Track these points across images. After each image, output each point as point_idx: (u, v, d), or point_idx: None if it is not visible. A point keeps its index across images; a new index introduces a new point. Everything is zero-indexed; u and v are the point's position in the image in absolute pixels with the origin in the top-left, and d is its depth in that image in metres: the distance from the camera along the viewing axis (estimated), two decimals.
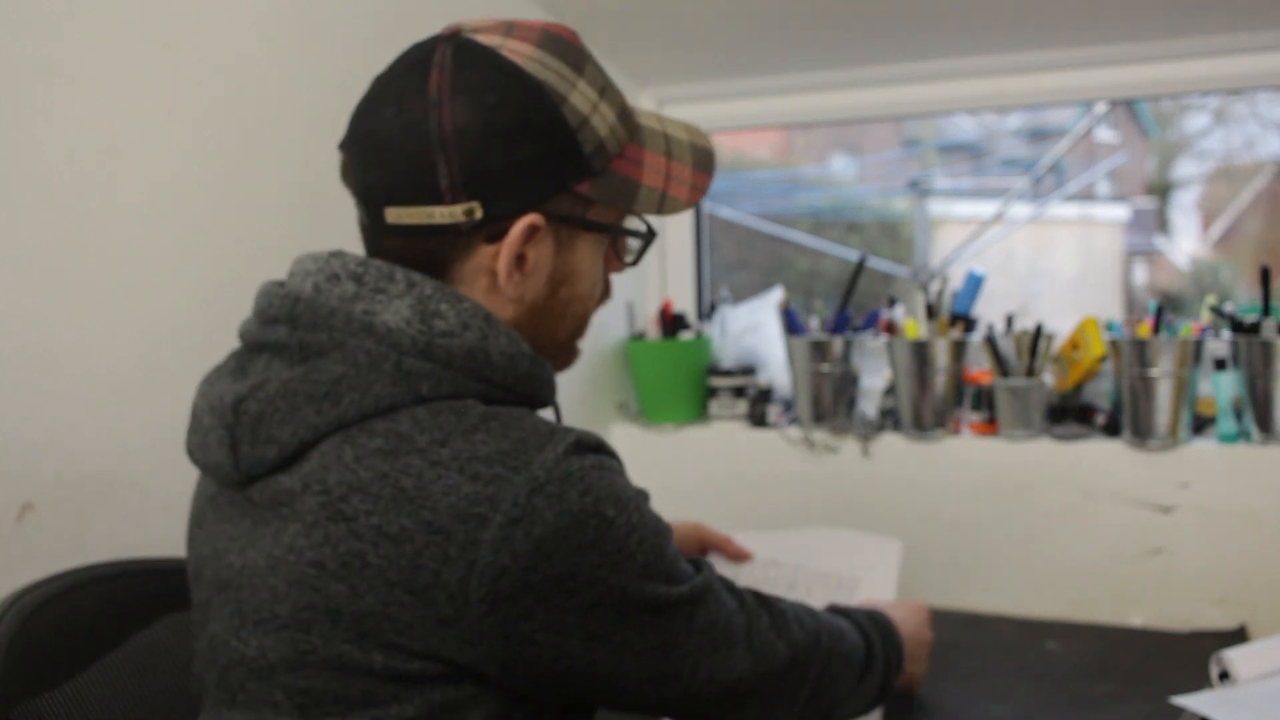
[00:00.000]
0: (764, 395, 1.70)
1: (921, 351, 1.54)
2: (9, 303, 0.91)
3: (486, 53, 0.71)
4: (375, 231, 0.74)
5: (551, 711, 0.71)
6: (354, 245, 0.76)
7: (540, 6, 1.50)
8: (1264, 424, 1.39)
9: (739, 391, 1.73)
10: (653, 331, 1.77)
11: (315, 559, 0.64)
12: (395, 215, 0.71)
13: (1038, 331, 1.49)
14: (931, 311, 1.57)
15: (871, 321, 1.64)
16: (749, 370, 1.75)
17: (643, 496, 0.70)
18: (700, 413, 1.76)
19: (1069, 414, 1.52)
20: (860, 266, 1.62)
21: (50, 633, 0.80)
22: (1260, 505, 1.38)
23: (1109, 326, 1.49)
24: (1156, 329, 1.42)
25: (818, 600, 1.15)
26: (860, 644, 0.90)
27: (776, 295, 1.74)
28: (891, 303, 1.62)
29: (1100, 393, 1.57)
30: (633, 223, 0.81)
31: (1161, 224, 5.33)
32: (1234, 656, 1.05)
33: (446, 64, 0.70)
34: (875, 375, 1.69)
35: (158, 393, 1.01)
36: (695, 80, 1.81)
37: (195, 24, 1.06)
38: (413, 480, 0.64)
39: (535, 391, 0.74)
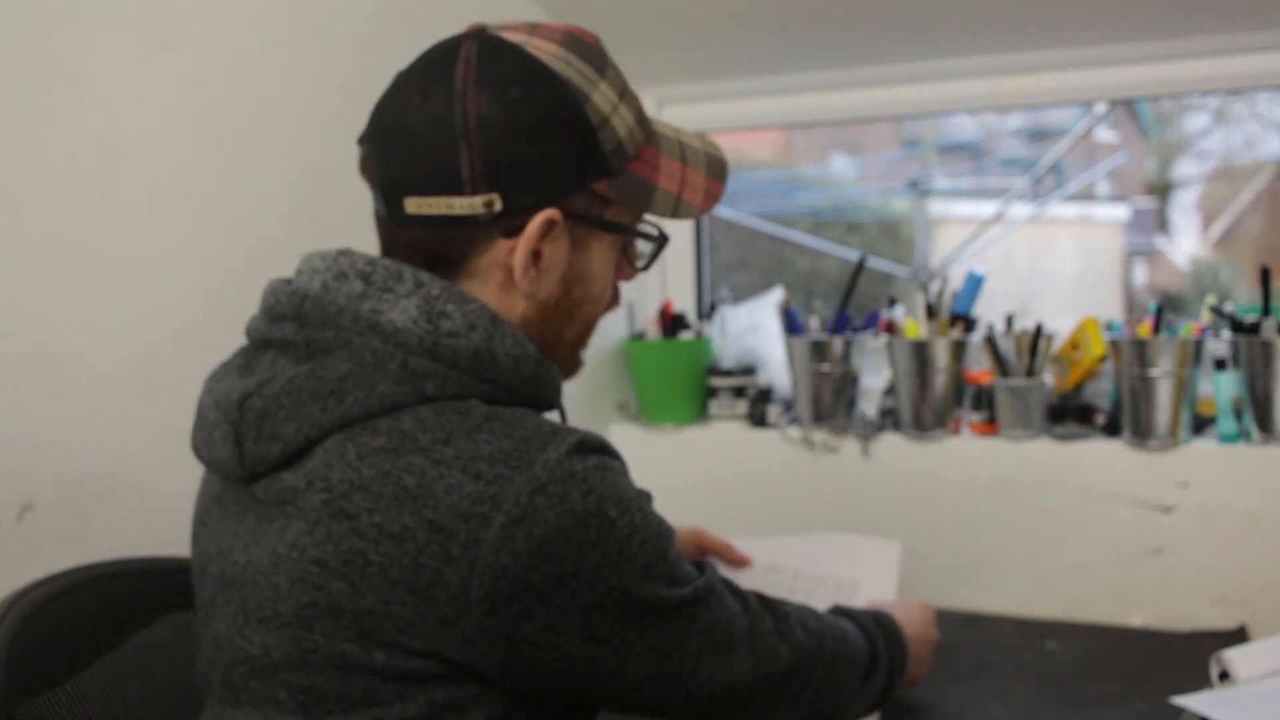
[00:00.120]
0: (764, 395, 1.70)
1: (921, 351, 1.54)
2: (9, 303, 0.91)
3: (512, 49, 0.72)
4: (393, 223, 0.74)
5: (553, 711, 0.71)
6: (354, 245, 0.76)
7: (540, 6, 1.50)
8: (1264, 424, 1.38)
9: (739, 391, 1.73)
10: (653, 331, 1.77)
11: (317, 556, 0.65)
12: (415, 205, 0.71)
13: (1038, 331, 1.49)
14: (931, 311, 1.57)
15: (871, 321, 1.64)
16: (749, 370, 1.75)
17: (645, 498, 0.70)
18: (700, 413, 1.76)
19: (1069, 414, 1.52)
20: (860, 266, 1.62)
21: (51, 632, 0.80)
22: (1260, 505, 1.38)
23: (1109, 326, 1.49)
24: (1156, 329, 1.42)
25: (818, 604, 1.15)
26: (864, 646, 0.91)
27: (776, 295, 1.74)
28: (891, 303, 1.62)
29: (1100, 393, 1.57)
30: (646, 227, 0.81)
31: (1161, 224, 5.33)
32: (1234, 656, 1.05)
33: (472, 59, 0.71)
34: (875, 375, 1.69)
35: (158, 393, 1.01)
36: (695, 80, 1.81)
37: (195, 24, 1.06)
38: (415, 479, 0.64)
39: (540, 393, 0.74)
